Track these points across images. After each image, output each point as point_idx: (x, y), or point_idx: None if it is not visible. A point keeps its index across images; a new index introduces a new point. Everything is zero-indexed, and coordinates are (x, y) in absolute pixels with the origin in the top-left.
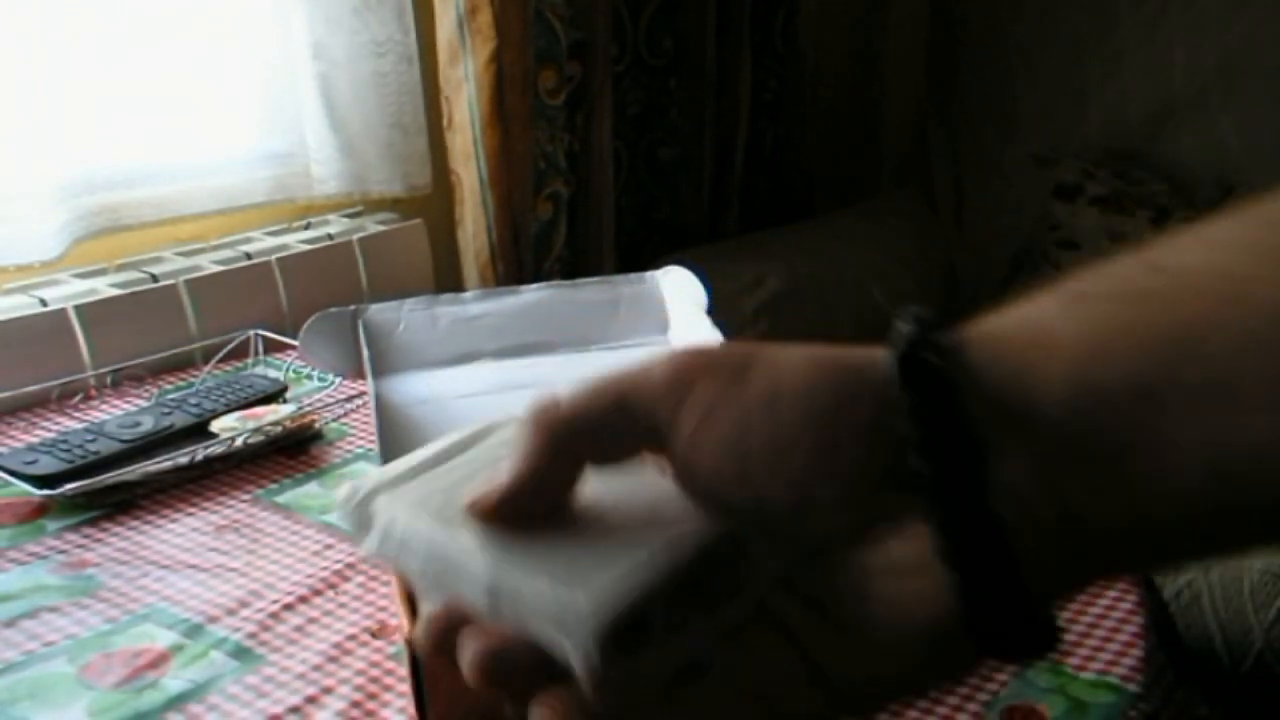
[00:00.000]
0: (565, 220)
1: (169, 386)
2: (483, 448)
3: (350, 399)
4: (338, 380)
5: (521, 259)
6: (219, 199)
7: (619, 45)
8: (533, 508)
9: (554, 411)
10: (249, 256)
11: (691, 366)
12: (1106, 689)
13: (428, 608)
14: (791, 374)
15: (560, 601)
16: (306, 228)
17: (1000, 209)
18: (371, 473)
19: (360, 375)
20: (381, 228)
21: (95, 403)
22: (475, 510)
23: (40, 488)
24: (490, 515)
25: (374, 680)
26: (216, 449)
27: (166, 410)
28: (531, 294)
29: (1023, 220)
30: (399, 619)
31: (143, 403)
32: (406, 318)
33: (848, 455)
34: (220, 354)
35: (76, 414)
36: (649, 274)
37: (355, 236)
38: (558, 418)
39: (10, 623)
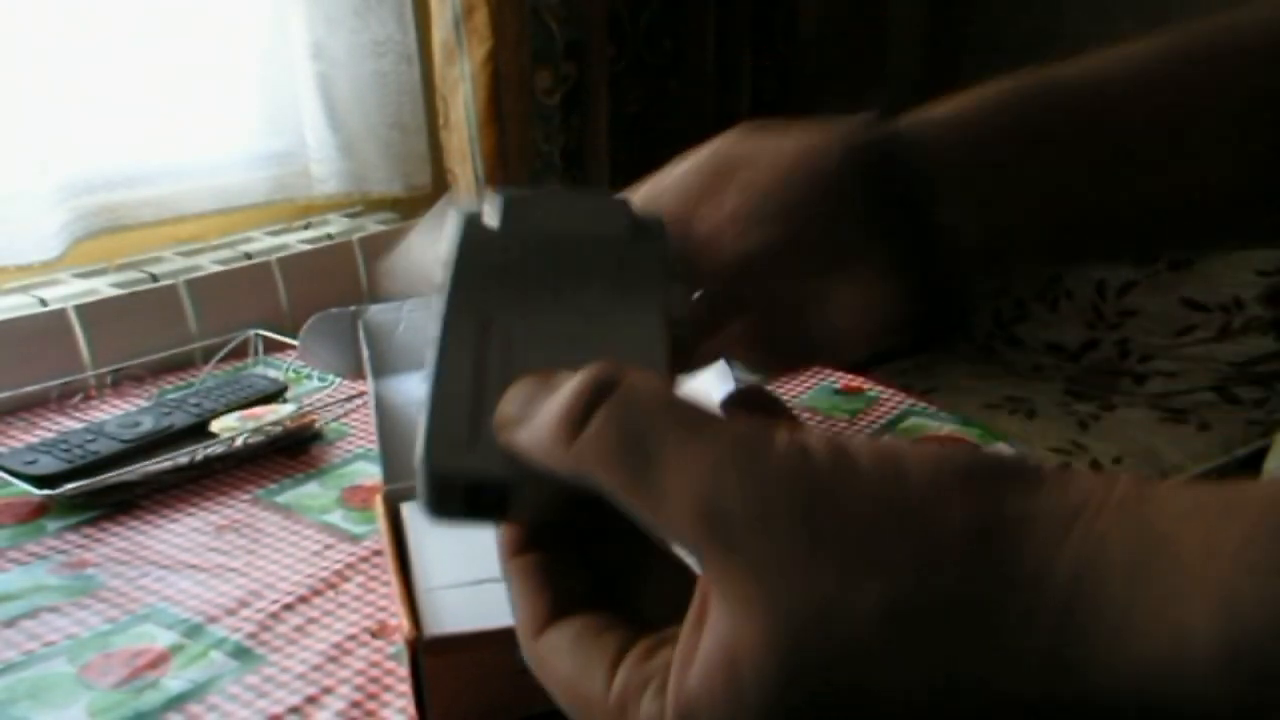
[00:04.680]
0: None
1: (169, 386)
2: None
3: (350, 399)
4: (338, 380)
5: None
6: (219, 199)
7: (617, 45)
8: None
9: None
10: (249, 256)
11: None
12: None
13: None
14: (771, 172)
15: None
16: (306, 228)
17: None
18: None
19: (360, 375)
20: (381, 228)
21: (95, 403)
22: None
23: (40, 488)
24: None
25: (374, 680)
26: (216, 449)
27: (166, 410)
28: None
29: None
30: (399, 619)
31: (143, 403)
32: (406, 318)
33: (818, 213)
34: (220, 354)
35: (76, 414)
36: None
37: (355, 236)
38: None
39: (10, 623)
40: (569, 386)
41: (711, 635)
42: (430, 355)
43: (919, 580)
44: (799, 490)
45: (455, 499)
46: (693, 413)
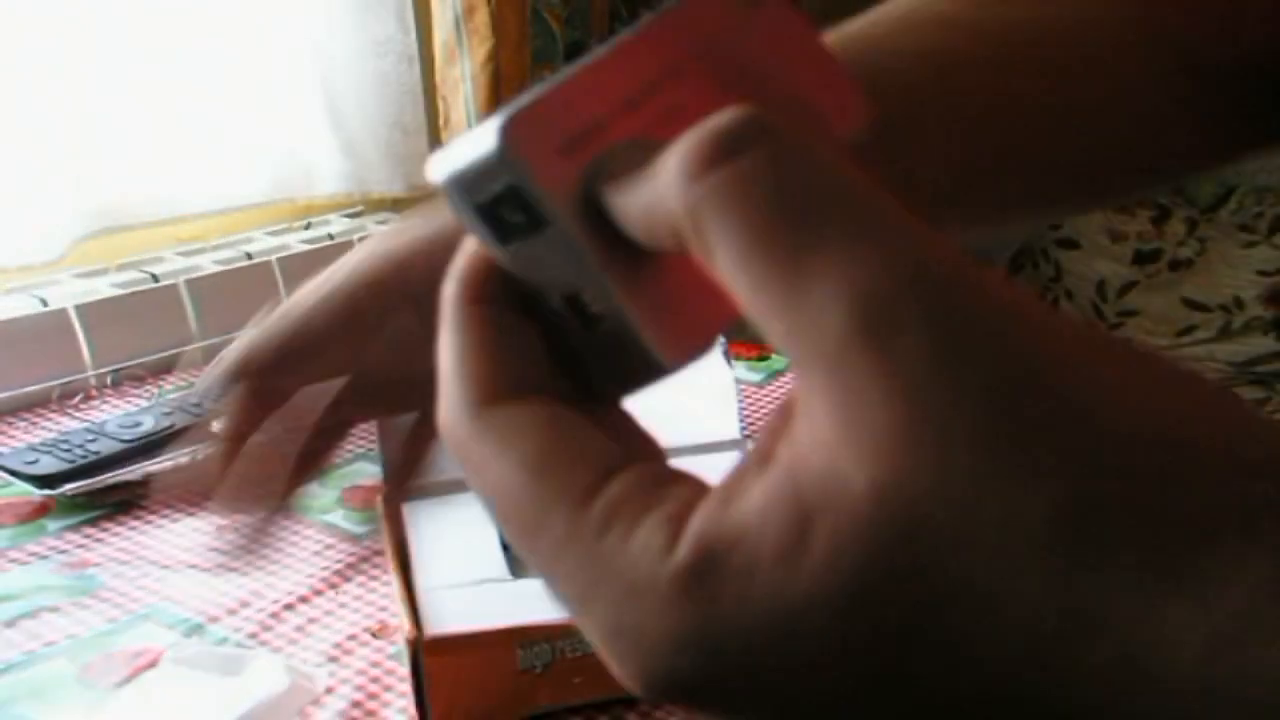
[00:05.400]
0: None
1: (169, 386)
2: None
3: None
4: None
5: None
6: (219, 199)
7: None
8: None
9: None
10: (249, 256)
11: None
12: None
13: None
14: None
15: None
16: (307, 228)
17: None
18: None
19: None
20: (382, 228)
21: (96, 403)
22: None
23: (41, 487)
24: None
25: (374, 680)
26: None
27: (167, 410)
28: None
29: None
30: (399, 619)
31: (143, 403)
32: None
33: None
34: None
35: (77, 414)
36: None
37: (355, 236)
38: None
39: (11, 623)
40: (712, 119)
41: (787, 471)
42: (612, 41)
43: (1127, 506)
44: (1010, 343)
45: (485, 195)
46: (886, 200)
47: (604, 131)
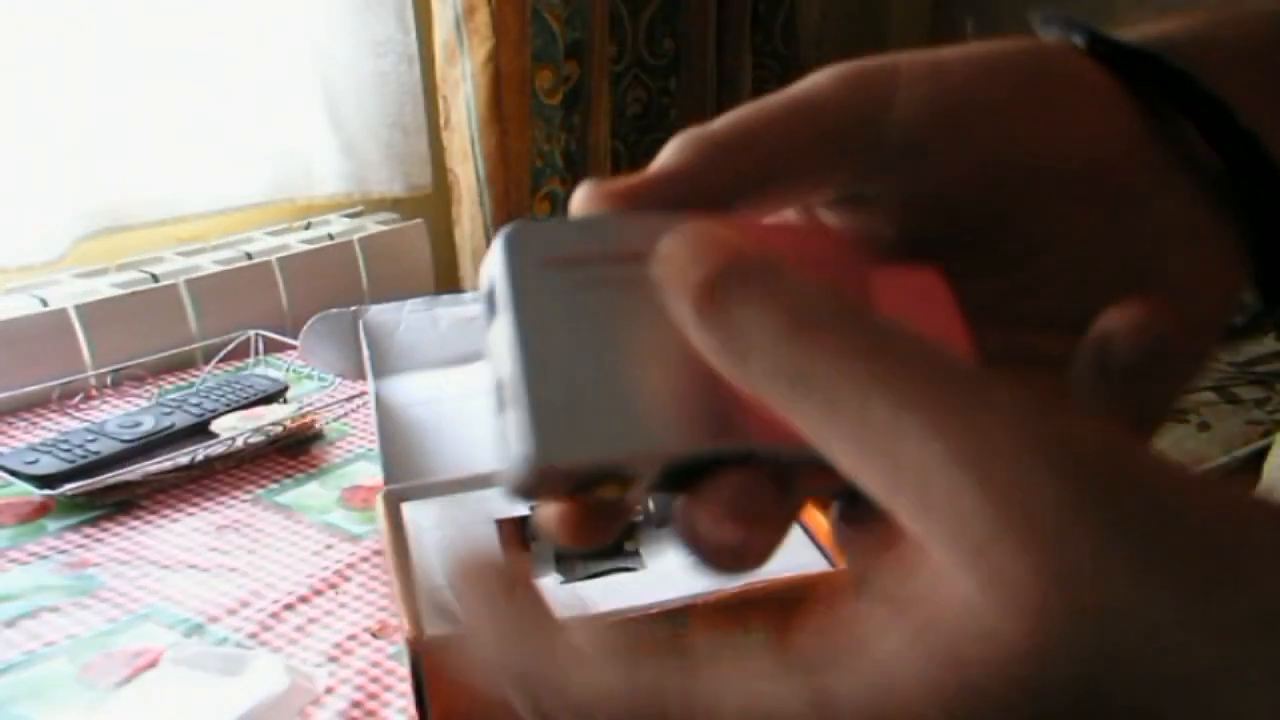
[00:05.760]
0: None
1: (169, 386)
2: None
3: (350, 399)
4: (338, 380)
5: None
6: (219, 199)
7: (618, 45)
8: (672, 200)
9: (705, 128)
10: (249, 256)
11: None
12: None
13: None
14: (990, 65)
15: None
16: (307, 228)
17: None
18: None
19: (360, 375)
20: (382, 228)
21: (95, 403)
22: (602, 189)
23: (41, 487)
24: (617, 198)
25: (374, 680)
26: (217, 449)
27: (167, 410)
28: None
29: None
30: (399, 619)
31: (143, 403)
32: (407, 318)
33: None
34: (220, 354)
35: (77, 414)
36: None
37: (355, 236)
38: (708, 130)
39: (11, 623)
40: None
41: (927, 623)
42: (508, 351)
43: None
44: (1101, 470)
45: (487, 283)
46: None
47: (599, 267)
